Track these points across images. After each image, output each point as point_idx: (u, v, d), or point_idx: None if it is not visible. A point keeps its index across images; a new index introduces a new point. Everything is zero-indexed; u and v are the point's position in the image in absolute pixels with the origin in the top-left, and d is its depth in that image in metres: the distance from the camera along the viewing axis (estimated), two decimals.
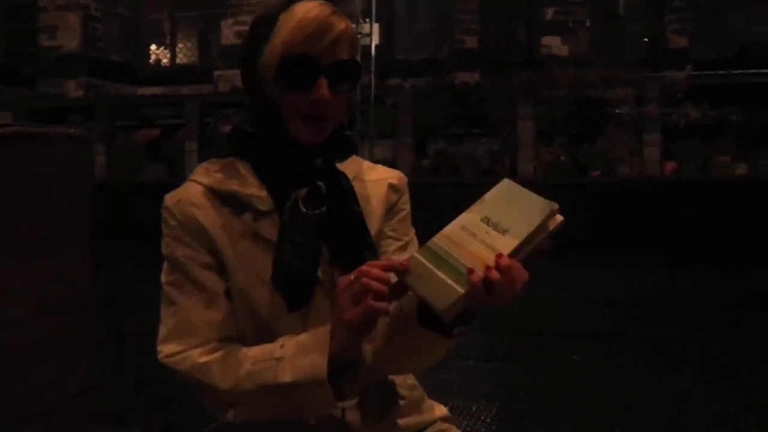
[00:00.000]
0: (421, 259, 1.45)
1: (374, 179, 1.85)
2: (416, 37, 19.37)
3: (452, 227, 1.49)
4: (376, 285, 1.42)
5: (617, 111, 15.13)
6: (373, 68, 12.69)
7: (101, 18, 20.53)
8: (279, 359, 1.54)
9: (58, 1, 20.23)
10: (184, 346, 1.59)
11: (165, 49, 21.98)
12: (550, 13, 18.40)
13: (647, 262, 11.68)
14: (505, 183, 1.54)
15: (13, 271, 2.33)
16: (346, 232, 1.68)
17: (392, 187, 1.86)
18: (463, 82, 17.70)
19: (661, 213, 12.95)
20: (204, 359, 1.57)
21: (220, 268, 1.65)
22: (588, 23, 18.40)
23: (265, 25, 1.66)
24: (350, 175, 1.76)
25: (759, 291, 9.63)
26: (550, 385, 5.94)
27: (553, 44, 18.19)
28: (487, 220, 1.48)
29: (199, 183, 1.69)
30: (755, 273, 10.80)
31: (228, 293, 1.66)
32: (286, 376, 1.51)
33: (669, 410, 5.19)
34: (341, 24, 1.65)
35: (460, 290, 1.40)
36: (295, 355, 1.53)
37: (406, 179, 1.91)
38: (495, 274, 1.40)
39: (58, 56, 19.85)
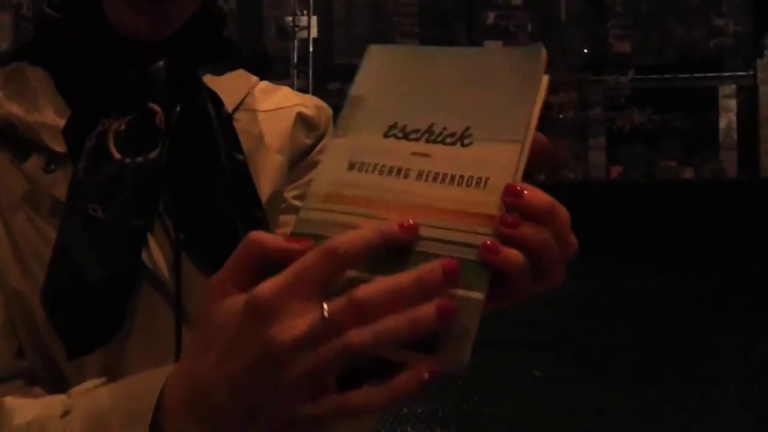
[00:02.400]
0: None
1: (273, 108, 1.11)
2: (355, 41, 19.12)
3: (327, 175, 0.69)
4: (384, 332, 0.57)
5: (561, 116, 15.11)
6: (311, 65, 12.30)
7: (33, 17, 19.90)
8: None
9: None
10: None
11: None
12: (491, 17, 18.33)
13: (594, 265, 11.48)
14: (375, 51, 0.74)
15: None
16: (209, 200, 0.96)
17: (303, 121, 1.12)
18: None
19: (607, 216, 12.85)
20: None
21: None
22: (529, 27, 18.37)
23: None
24: (231, 101, 1.04)
25: (706, 292, 9.67)
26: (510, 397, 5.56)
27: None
28: (401, 132, 0.68)
29: None
30: (702, 274, 10.80)
31: None
32: None
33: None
34: None
35: (478, 295, 0.60)
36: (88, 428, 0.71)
37: (329, 111, 1.16)
38: (534, 231, 0.62)
39: None
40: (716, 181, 14.20)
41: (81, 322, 0.87)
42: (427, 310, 0.56)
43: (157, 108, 0.92)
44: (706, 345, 7.04)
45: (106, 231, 0.87)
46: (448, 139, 0.67)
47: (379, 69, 0.73)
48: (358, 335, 0.55)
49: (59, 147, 0.92)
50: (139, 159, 0.90)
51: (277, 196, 1.05)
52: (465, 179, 0.65)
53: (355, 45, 19.07)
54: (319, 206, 0.66)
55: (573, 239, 0.68)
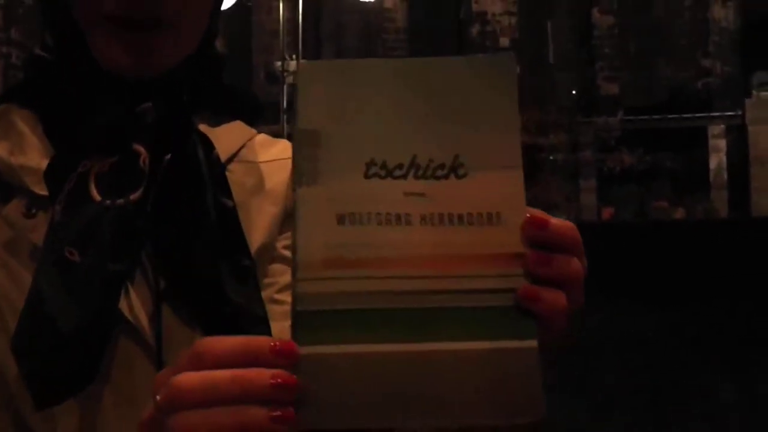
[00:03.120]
0: (326, 349, 0.57)
1: (270, 159, 1.03)
2: None
3: (312, 237, 0.59)
4: (206, 421, 0.55)
5: (551, 157, 15.15)
6: None
7: (22, 66, 20.06)
8: None
9: None
10: None
11: None
12: None
13: (587, 306, 11.46)
14: (311, 71, 0.62)
15: None
16: (193, 247, 0.89)
17: None
18: None
19: (599, 258, 12.79)
20: None
21: None
22: (518, 70, 18.49)
23: None
24: (225, 151, 0.97)
25: (699, 332, 9.60)
26: None
27: None
28: (384, 169, 0.59)
29: None
30: (695, 315, 10.68)
31: None
32: None
33: None
34: None
35: (531, 343, 0.58)
36: None
37: None
38: (567, 262, 0.61)
39: None
40: (708, 221, 14.20)
41: (50, 371, 0.80)
42: (252, 414, 0.55)
43: (141, 149, 0.86)
44: (697, 384, 6.97)
45: (81, 275, 0.81)
46: (439, 172, 0.59)
47: (324, 93, 0.60)
48: (188, 419, 0.55)
49: (41, 190, 0.86)
50: (120, 201, 0.84)
51: (268, 246, 0.97)
52: (474, 217, 0.59)
53: None
54: (321, 275, 0.58)
55: (585, 259, 0.65)
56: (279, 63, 12.11)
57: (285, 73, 11.71)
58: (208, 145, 0.93)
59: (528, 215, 0.59)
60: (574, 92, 18.44)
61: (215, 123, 0.98)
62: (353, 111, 0.60)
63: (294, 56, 12.07)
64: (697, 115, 14.99)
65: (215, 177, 0.92)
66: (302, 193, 0.59)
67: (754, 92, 16.52)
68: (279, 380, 0.55)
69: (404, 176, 0.59)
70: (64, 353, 0.80)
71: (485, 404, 0.57)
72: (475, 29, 18.70)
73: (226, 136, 0.98)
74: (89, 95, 0.89)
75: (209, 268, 0.87)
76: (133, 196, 0.84)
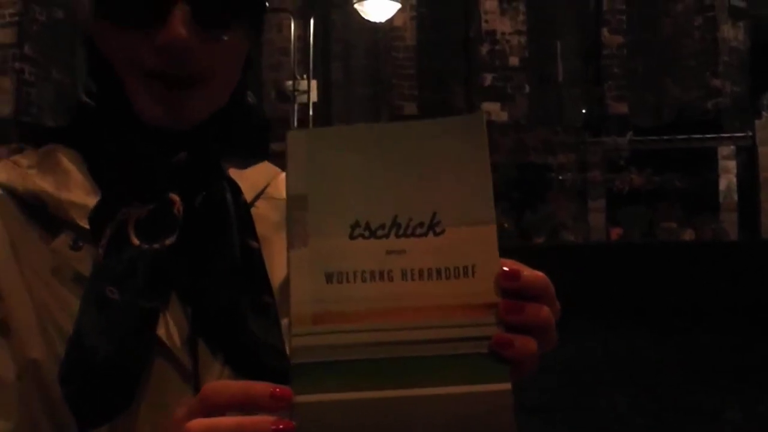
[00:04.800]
0: (318, 397, 0.63)
1: None
2: (354, 103, 19.29)
3: (304, 294, 0.65)
4: None
5: (560, 177, 15.14)
6: (311, 126, 12.37)
7: (35, 82, 20.23)
8: None
9: None
10: None
11: None
12: (488, 79, 18.53)
13: (594, 327, 11.49)
14: (300, 139, 0.67)
15: None
16: (219, 285, 0.96)
17: None
18: None
19: (607, 278, 12.79)
20: None
21: (4, 329, 0.94)
22: (527, 89, 18.52)
23: None
24: (251, 190, 1.05)
25: (707, 354, 9.63)
26: None
27: (492, 110, 18.21)
28: (367, 230, 0.64)
29: None
30: (703, 336, 10.75)
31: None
32: None
33: None
34: None
35: (505, 385, 0.63)
36: None
37: None
38: (537, 310, 0.66)
39: None
40: (717, 243, 14.16)
41: (91, 397, 0.90)
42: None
43: (176, 198, 0.95)
44: (706, 408, 6.96)
45: (119, 312, 0.91)
46: (419, 230, 0.64)
47: (311, 159, 0.66)
48: None
49: (87, 224, 0.94)
50: (156, 245, 0.93)
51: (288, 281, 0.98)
52: (451, 270, 0.64)
53: (354, 108, 19.24)
54: (311, 330, 0.63)
55: (558, 303, 0.70)
56: (290, 82, 12.17)
57: (296, 92, 11.79)
58: (236, 189, 1.01)
59: (501, 267, 0.64)
60: (584, 111, 18.48)
61: (244, 165, 1.07)
62: (337, 175, 0.66)
63: (304, 75, 12.12)
64: (707, 135, 14.92)
65: (242, 220, 0.99)
66: (294, 255, 0.65)
67: (764, 113, 16.51)
68: (280, 426, 0.63)
69: (386, 235, 0.64)
70: (102, 382, 0.89)
71: None
72: (484, 48, 18.77)
73: (254, 176, 1.07)
74: (128, 142, 0.98)
75: (233, 306, 0.96)
76: (167, 241, 0.93)
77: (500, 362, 0.62)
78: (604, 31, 18.88)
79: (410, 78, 18.84)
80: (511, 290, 0.64)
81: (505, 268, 0.64)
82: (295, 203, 0.66)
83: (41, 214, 0.97)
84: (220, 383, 0.72)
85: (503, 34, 18.80)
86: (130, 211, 0.94)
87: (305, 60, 12.42)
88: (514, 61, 18.72)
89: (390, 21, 12.64)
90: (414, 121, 0.67)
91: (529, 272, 0.66)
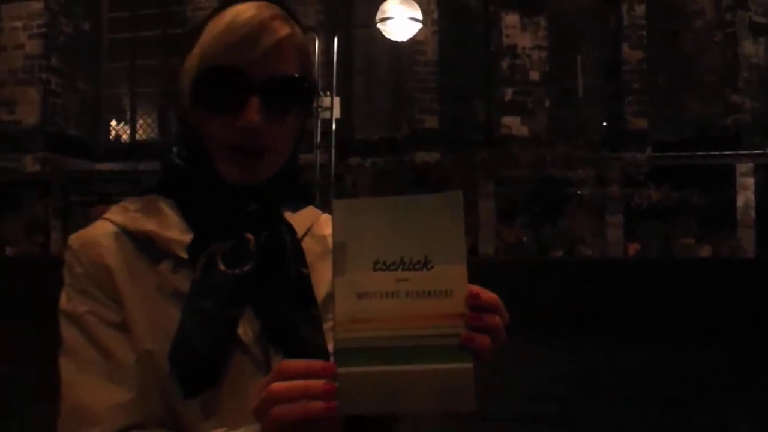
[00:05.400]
0: (354, 369, 1.00)
1: (330, 233, 1.38)
2: (375, 116, 19.36)
3: (344, 307, 1.02)
4: (288, 412, 1.01)
5: (578, 192, 15.14)
6: (333, 143, 12.50)
7: (61, 93, 20.43)
8: None
9: (17, 76, 20.16)
10: None
11: (125, 124, 21.94)
12: (509, 93, 18.55)
13: (610, 341, 11.48)
14: (342, 207, 1.06)
15: None
16: (282, 301, 1.32)
17: None
18: (423, 162, 17.64)
19: (624, 293, 12.79)
20: None
21: (126, 328, 1.30)
22: (547, 104, 18.55)
23: (189, 36, 1.36)
24: (301, 229, 1.41)
25: (723, 371, 9.60)
26: None
27: (513, 124, 18.26)
28: (384, 266, 1.02)
29: (111, 221, 1.35)
30: (720, 353, 10.73)
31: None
32: None
33: None
34: (283, 29, 1.31)
35: (468, 365, 1.00)
36: None
37: None
38: (491, 318, 1.04)
39: (16, 131, 19.62)
40: (734, 260, 14.15)
41: (190, 375, 1.25)
42: (314, 406, 1.00)
43: (251, 237, 1.32)
44: (721, 422, 7.00)
45: (210, 318, 1.26)
46: (417, 266, 1.02)
47: (348, 218, 1.04)
48: (278, 411, 1.01)
49: (183, 255, 1.30)
50: (236, 271, 1.30)
51: (331, 296, 1.22)
52: (437, 293, 1.02)
53: (375, 121, 19.34)
54: (347, 329, 1.01)
55: (506, 313, 1.07)
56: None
57: (319, 109, 12.00)
58: (291, 229, 1.38)
59: (469, 291, 1.02)
60: (605, 124, 18.49)
61: (295, 209, 1.44)
62: (365, 230, 1.03)
63: (327, 92, 12.29)
64: (725, 152, 14.90)
65: (296, 252, 1.36)
66: (337, 281, 1.03)
67: None
68: (327, 387, 1.00)
69: (396, 269, 1.02)
70: (198, 365, 1.25)
71: (440, 400, 1.00)
72: (505, 63, 18.80)
73: (302, 218, 1.44)
74: (215, 195, 1.34)
75: (290, 315, 1.32)
76: (245, 268, 1.30)
77: (466, 351, 1.00)
78: (625, 47, 18.86)
79: (431, 92, 18.90)
80: (474, 306, 1.02)
81: (471, 292, 1.02)
82: (338, 247, 1.03)
83: (147, 246, 1.32)
84: (291, 361, 1.06)
85: (524, 48, 18.81)
86: (218, 245, 1.30)
87: (328, 76, 12.60)
88: (534, 75, 18.74)
89: (412, 36, 12.76)
90: (415, 195, 1.04)
91: (486, 294, 1.04)
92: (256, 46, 1.27)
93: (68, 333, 1.29)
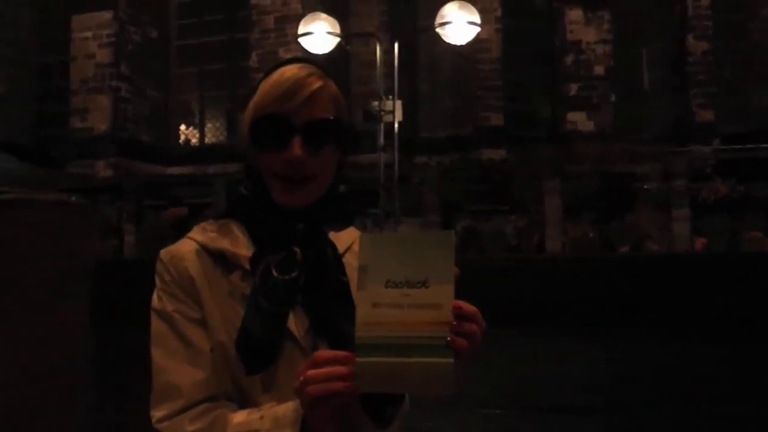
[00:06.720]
0: (368, 359, 1.34)
1: None
2: (440, 115, 19.47)
3: (362, 313, 1.36)
4: (318, 389, 1.38)
5: (645, 186, 15.05)
6: (396, 145, 12.70)
7: (131, 99, 20.98)
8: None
9: (89, 84, 20.82)
10: (171, 410, 1.60)
11: (194, 128, 22.41)
12: (574, 89, 18.52)
13: (678, 337, 11.47)
14: (366, 240, 1.40)
15: None
16: (325, 302, 1.66)
17: None
18: (489, 159, 17.73)
19: (691, 289, 12.70)
20: (191, 428, 1.58)
21: (204, 324, 1.67)
22: (612, 98, 18.45)
23: (249, 94, 1.74)
24: (343, 246, 1.75)
25: None
26: None
27: (578, 120, 18.24)
28: (393, 284, 1.35)
29: (193, 240, 1.71)
30: None
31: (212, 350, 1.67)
32: None
33: None
34: (317, 83, 1.66)
35: (450, 360, 1.32)
36: (272, 428, 1.53)
37: None
38: (470, 326, 1.37)
39: (89, 137, 20.29)
40: None
41: (251, 359, 1.59)
42: (336, 385, 1.36)
43: (297, 250, 1.65)
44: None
45: (266, 313, 1.60)
46: (418, 285, 1.33)
47: (370, 248, 1.38)
48: (311, 389, 1.37)
49: (248, 267, 1.64)
50: (287, 277, 1.62)
51: None
52: (431, 305, 1.32)
53: (440, 120, 19.45)
54: (366, 329, 1.33)
55: (483, 323, 1.39)
56: (376, 103, 12.59)
57: (382, 113, 12.27)
58: (333, 246, 1.72)
59: (455, 304, 1.33)
60: (674, 116, 18.26)
61: (338, 229, 1.77)
62: (380, 258, 1.36)
63: (390, 96, 12.52)
64: None
65: (337, 264, 1.70)
66: (358, 294, 1.36)
67: None
68: (346, 371, 1.35)
69: (402, 287, 1.34)
70: (258, 350, 1.60)
71: (429, 384, 1.31)
72: (569, 58, 18.80)
73: (344, 237, 1.76)
74: (270, 217, 1.68)
75: (332, 316, 1.63)
76: (293, 275, 1.63)
77: (449, 349, 1.30)
78: (690, 38, 18.60)
79: (496, 89, 18.95)
80: (458, 315, 1.33)
81: (456, 305, 1.32)
82: (362, 269, 1.37)
83: (221, 260, 1.67)
84: (323, 351, 1.44)
85: (588, 43, 18.77)
86: (272, 257, 1.63)
87: (390, 78, 12.84)
88: (599, 70, 18.68)
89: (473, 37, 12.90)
90: (419, 232, 1.42)
91: (467, 307, 1.35)
92: (296, 97, 1.63)
93: (158, 326, 1.66)
